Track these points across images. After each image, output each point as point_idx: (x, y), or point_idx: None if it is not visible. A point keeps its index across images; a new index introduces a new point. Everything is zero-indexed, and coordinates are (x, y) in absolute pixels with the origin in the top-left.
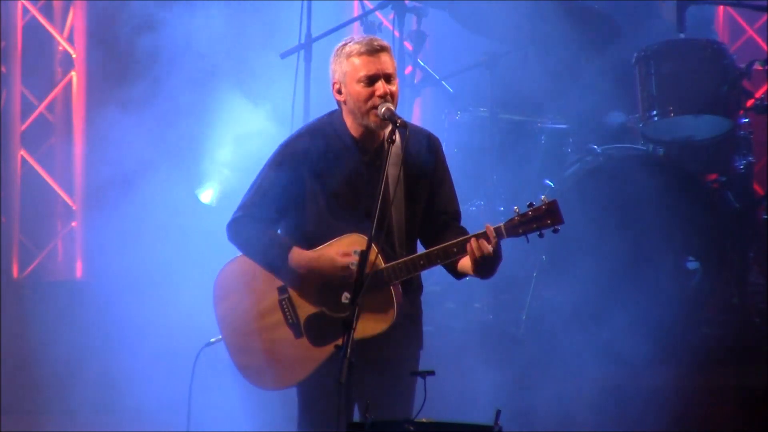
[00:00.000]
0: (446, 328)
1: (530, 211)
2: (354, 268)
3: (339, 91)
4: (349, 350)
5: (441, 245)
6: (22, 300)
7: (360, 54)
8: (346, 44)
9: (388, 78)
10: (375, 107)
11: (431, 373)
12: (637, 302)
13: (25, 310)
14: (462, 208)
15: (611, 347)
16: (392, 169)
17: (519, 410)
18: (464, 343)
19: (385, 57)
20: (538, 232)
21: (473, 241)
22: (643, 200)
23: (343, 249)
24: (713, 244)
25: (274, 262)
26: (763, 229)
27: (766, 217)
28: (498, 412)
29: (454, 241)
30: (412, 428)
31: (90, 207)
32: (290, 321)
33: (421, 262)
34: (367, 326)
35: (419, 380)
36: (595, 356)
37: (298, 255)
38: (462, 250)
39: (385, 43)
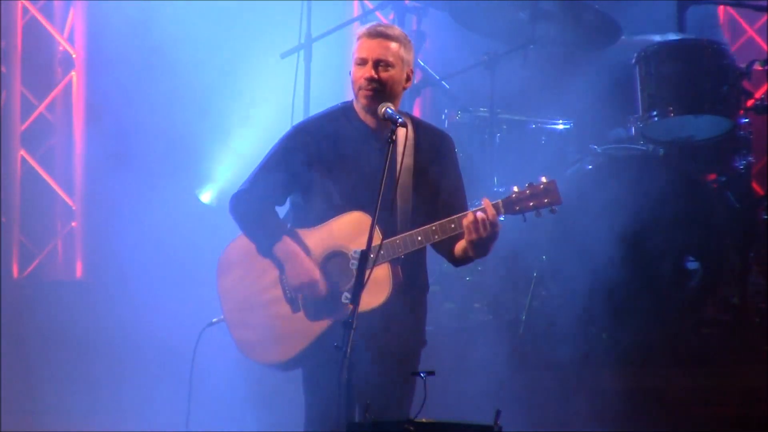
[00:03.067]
0: (446, 328)
1: (528, 189)
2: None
3: (350, 73)
4: (349, 350)
5: (439, 221)
6: (22, 300)
7: (361, 36)
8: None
9: (378, 64)
10: (361, 89)
11: (431, 373)
12: (637, 302)
13: (25, 310)
14: None
15: (611, 347)
16: (403, 159)
17: (519, 410)
18: (464, 343)
19: (384, 42)
20: (534, 211)
21: (470, 215)
22: (643, 200)
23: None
24: (713, 244)
25: (261, 244)
26: (763, 229)
27: (766, 217)
28: (498, 412)
29: (452, 217)
30: (412, 428)
31: (90, 207)
32: (288, 296)
33: (419, 238)
34: (363, 300)
35: (419, 378)
36: (594, 356)
37: (284, 245)
38: (459, 227)
39: (392, 31)
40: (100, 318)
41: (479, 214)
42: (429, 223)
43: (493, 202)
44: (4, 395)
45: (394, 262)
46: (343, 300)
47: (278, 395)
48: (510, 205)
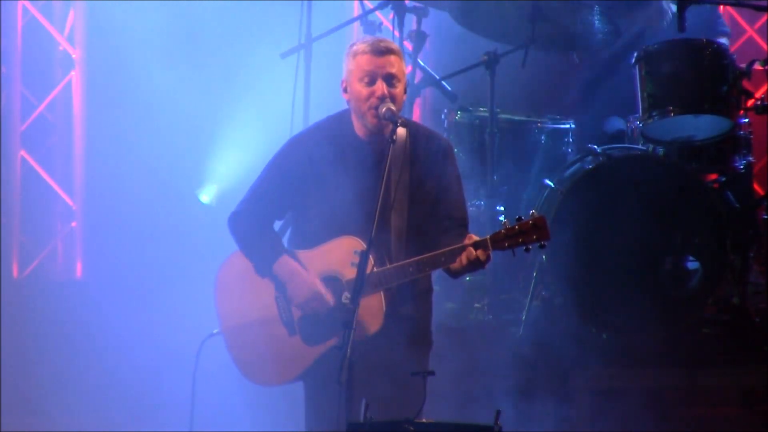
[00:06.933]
0: (446, 328)
1: (517, 225)
2: (328, 299)
3: (345, 90)
4: (349, 350)
5: (430, 254)
6: (22, 300)
7: (364, 53)
8: (355, 44)
9: (389, 78)
10: (372, 108)
11: (431, 373)
12: (637, 302)
13: (25, 310)
14: None
15: (611, 347)
16: (397, 172)
17: (518, 410)
18: (464, 343)
19: (390, 59)
20: (524, 247)
21: (459, 258)
22: (642, 200)
23: (327, 265)
24: (713, 244)
25: (260, 265)
26: (763, 229)
27: (766, 217)
28: (498, 412)
29: (443, 250)
30: (412, 428)
31: (90, 207)
32: (284, 318)
33: (411, 269)
34: (356, 328)
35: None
36: (595, 356)
37: (283, 264)
38: (450, 260)
39: (394, 46)
40: (100, 318)
41: (468, 252)
42: (425, 236)
43: (481, 239)
44: (4, 395)
45: (387, 290)
46: (344, 300)
47: (281, 394)
48: (498, 242)
